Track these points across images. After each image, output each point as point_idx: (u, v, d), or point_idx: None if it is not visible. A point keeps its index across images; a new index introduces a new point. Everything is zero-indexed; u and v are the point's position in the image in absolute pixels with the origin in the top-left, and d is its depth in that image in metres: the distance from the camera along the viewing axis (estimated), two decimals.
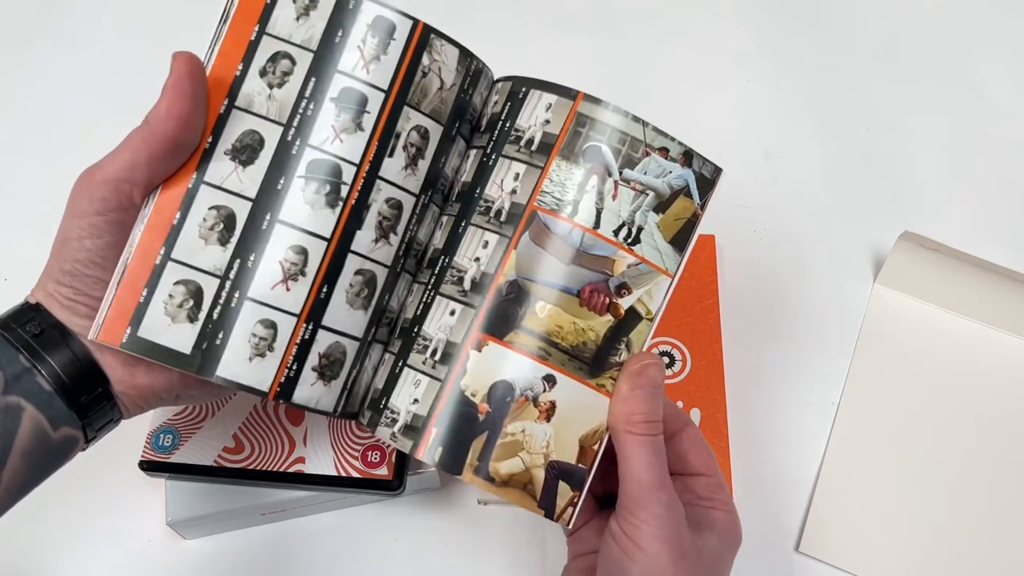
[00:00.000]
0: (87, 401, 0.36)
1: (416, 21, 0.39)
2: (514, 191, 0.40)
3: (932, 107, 0.70)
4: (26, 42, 0.75)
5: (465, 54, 0.41)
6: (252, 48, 0.39)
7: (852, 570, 0.52)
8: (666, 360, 0.57)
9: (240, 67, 0.38)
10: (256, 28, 0.39)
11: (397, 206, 0.40)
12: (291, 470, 0.49)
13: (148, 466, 0.50)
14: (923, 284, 0.59)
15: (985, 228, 0.64)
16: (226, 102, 0.38)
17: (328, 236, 0.39)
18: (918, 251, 0.57)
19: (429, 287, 0.41)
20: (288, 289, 0.38)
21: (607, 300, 0.39)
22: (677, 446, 0.40)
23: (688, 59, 0.73)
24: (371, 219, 0.40)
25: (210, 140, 0.38)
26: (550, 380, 0.38)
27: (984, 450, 0.55)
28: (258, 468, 0.49)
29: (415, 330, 0.40)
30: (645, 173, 0.39)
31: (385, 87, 0.39)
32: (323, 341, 0.39)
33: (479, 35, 0.76)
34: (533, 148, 0.40)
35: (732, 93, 0.71)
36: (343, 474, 0.49)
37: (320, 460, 0.50)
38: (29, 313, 0.36)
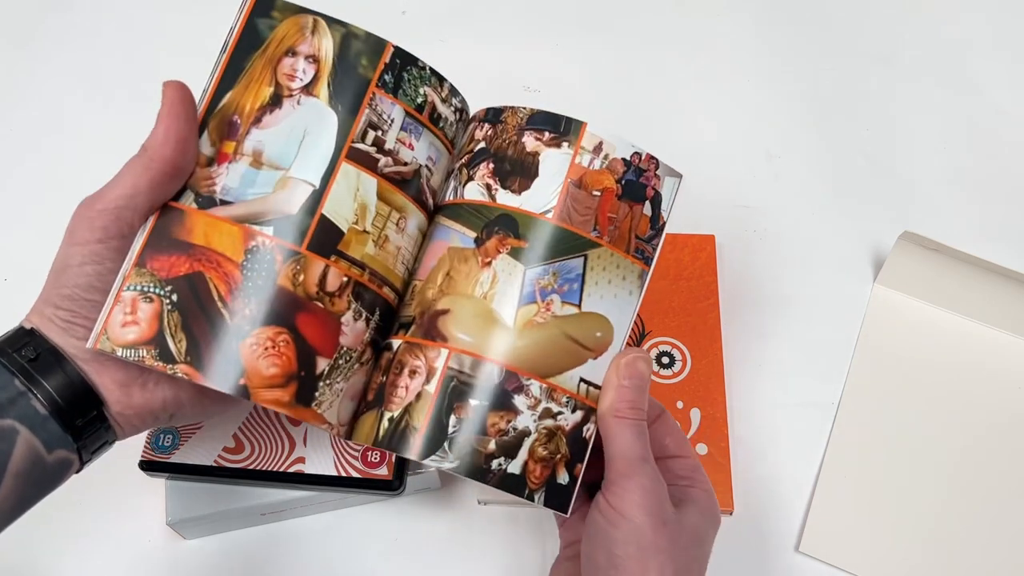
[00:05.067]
0: (82, 424, 0.36)
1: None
2: None
3: (933, 107, 0.70)
4: (26, 41, 0.75)
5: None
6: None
7: (852, 570, 0.52)
8: (666, 360, 0.57)
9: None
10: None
11: None
12: (291, 470, 0.49)
13: (148, 466, 0.50)
14: (923, 284, 0.59)
15: (985, 228, 0.64)
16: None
17: None
18: (918, 251, 0.57)
19: None
20: None
21: None
22: (655, 432, 0.42)
23: (689, 59, 0.73)
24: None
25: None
26: None
27: (984, 450, 0.55)
28: (258, 468, 0.49)
29: None
30: None
31: None
32: None
33: (479, 39, 0.77)
34: None
35: (733, 93, 0.71)
36: (343, 474, 0.49)
37: (320, 460, 0.50)
38: (24, 338, 0.36)
